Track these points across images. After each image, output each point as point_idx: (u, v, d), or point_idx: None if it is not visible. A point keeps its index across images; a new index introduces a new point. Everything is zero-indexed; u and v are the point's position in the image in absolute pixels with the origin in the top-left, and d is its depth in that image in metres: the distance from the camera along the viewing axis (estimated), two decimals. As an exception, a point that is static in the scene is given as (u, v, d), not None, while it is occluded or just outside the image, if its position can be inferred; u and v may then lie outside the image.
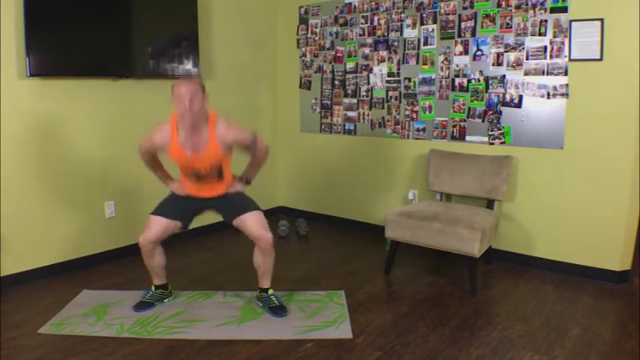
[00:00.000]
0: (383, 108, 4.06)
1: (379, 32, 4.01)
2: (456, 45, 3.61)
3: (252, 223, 2.66)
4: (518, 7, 3.31)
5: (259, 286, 2.82)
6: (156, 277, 2.84)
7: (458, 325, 2.64)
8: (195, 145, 2.50)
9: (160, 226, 2.67)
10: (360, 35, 4.13)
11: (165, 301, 2.89)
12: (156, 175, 2.81)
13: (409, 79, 3.88)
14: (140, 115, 3.66)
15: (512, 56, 3.37)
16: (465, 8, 3.54)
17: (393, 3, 3.90)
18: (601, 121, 3.09)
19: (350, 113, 4.28)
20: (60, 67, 3.17)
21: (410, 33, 3.84)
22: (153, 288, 2.86)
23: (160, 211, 2.72)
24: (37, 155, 3.17)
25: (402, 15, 3.86)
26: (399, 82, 3.94)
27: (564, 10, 3.14)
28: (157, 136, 2.57)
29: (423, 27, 3.77)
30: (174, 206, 2.72)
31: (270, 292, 2.80)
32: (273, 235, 4.23)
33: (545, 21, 3.22)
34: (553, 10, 3.18)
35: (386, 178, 4.13)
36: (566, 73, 3.18)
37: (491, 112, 3.51)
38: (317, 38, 4.42)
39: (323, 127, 4.50)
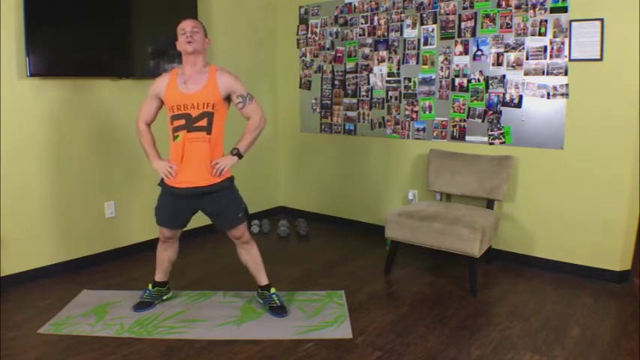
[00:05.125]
0: (383, 108, 4.06)
1: (379, 32, 4.01)
2: (456, 45, 3.61)
3: (237, 231, 2.70)
4: (518, 7, 3.31)
5: (258, 283, 2.82)
6: (160, 272, 2.85)
7: (458, 325, 2.64)
8: (192, 86, 2.54)
9: (170, 232, 2.75)
10: (360, 35, 4.13)
11: (165, 298, 2.90)
12: (145, 149, 2.69)
13: (409, 79, 3.88)
14: (140, 115, 3.67)
15: (512, 56, 3.37)
16: (465, 8, 3.54)
17: (393, 3, 3.90)
18: (601, 121, 3.09)
19: (350, 113, 4.28)
20: (60, 67, 3.16)
21: (410, 33, 3.84)
22: (150, 286, 2.86)
23: (163, 222, 2.71)
24: (36, 155, 3.17)
25: (402, 15, 3.86)
26: (399, 82, 3.94)
27: (564, 10, 3.14)
28: (158, 80, 2.63)
29: (423, 27, 3.77)
30: (171, 214, 2.69)
31: (273, 290, 2.80)
32: (273, 235, 4.28)
33: (545, 21, 3.22)
34: (553, 10, 3.18)
35: (386, 178, 4.13)
36: (566, 73, 3.18)
37: (491, 112, 3.51)
38: (317, 38, 4.42)
39: (323, 127, 4.50)
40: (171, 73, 2.62)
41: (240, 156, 2.63)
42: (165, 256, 2.82)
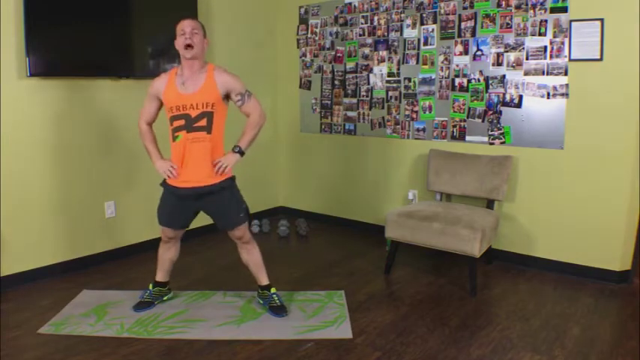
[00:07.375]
0: (383, 108, 4.06)
1: (379, 32, 4.01)
2: (456, 45, 3.61)
3: (238, 232, 2.70)
4: (518, 7, 3.31)
5: (258, 283, 2.82)
6: (161, 271, 2.85)
7: (458, 325, 2.64)
8: (190, 86, 2.54)
9: (172, 232, 2.76)
10: (360, 35, 4.13)
11: (165, 298, 2.90)
12: (147, 148, 2.70)
13: (409, 79, 3.88)
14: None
15: (512, 56, 3.37)
16: (465, 8, 3.54)
17: (393, 3, 3.90)
18: (601, 121, 3.09)
19: (350, 113, 4.28)
20: (60, 67, 3.16)
21: (410, 33, 3.84)
22: (150, 286, 2.87)
23: (165, 222, 2.72)
24: (36, 155, 3.17)
25: (402, 15, 3.86)
26: (399, 82, 3.94)
27: (564, 10, 3.14)
28: (157, 81, 2.63)
29: (423, 27, 3.77)
30: (173, 214, 2.70)
31: (273, 290, 2.81)
32: (273, 235, 4.28)
33: (545, 21, 3.22)
34: (553, 10, 3.18)
35: (386, 178, 4.13)
36: (566, 73, 3.18)
37: (491, 112, 3.51)
38: (317, 38, 4.42)
39: (323, 127, 4.50)
40: (170, 73, 2.62)
41: (242, 153, 2.63)
42: (167, 256, 2.83)
